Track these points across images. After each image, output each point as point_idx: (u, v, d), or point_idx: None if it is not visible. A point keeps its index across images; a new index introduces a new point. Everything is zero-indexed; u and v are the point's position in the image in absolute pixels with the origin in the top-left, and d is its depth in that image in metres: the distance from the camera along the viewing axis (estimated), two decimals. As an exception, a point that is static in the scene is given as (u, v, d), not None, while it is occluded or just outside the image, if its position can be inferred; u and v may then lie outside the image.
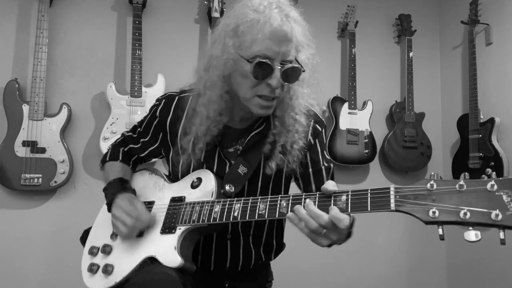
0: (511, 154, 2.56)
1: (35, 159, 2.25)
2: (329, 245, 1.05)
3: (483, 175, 0.80)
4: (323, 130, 1.27)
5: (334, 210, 0.91)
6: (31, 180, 2.24)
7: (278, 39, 1.03)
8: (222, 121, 1.16)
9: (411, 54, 2.99)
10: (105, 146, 2.29)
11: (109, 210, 1.21)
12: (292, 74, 1.07)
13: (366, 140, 2.83)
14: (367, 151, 2.82)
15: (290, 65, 1.06)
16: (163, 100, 1.26)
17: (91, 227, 1.32)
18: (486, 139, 2.60)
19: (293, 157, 1.17)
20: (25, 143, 2.24)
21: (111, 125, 2.38)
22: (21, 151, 2.23)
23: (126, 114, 2.39)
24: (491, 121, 2.60)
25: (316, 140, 1.24)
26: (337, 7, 3.00)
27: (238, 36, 1.05)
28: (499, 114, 2.63)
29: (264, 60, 1.03)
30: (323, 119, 1.28)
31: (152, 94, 2.43)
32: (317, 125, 1.25)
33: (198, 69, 1.17)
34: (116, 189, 1.22)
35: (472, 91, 2.68)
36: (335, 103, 2.83)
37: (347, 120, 2.82)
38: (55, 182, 2.29)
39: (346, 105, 2.83)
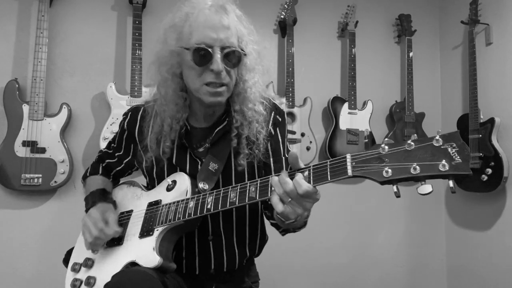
0: (511, 154, 2.56)
1: (35, 159, 2.25)
2: (285, 233, 1.13)
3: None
4: (284, 121, 1.31)
5: (298, 176, 0.94)
6: (31, 180, 2.24)
7: (214, 27, 1.09)
8: (183, 117, 1.21)
9: (411, 54, 2.99)
10: (105, 146, 2.29)
11: None
12: (233, 58, 1.12)
13: (366, 140, 2.83)
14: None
15: (229, 48, 1.10)
16: (129, 113, 1.33)
17: (73, 248, 1.34)
18: (486, 139, 2.60)
19: (259, 146, 1.21)
20: (25, 143, 2.24)
21: (111, 125, 2.38)
22: (21, 151, 2.23)
23: (126, 114, 2.39)
24: (491, 121, 2.60)
25: (277, 130, 1.28)
26: (337, 7, 3.00)
27: (177, 29, 1.13)
28: (499, 114, 2.63)
29: (202, 46, 1.08)
30: (283, 109, 1.32)
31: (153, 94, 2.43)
32: (277, 116, 1.28)
33: (149, 69, 1.23)
34: (97, 197, 1.26)
35: (472, 91, 2.68)
36: (335, 103, 2.83)
37: (347, 120, 2.82)
38: (55, 182, 2.29)
39: (346, 105, 2.83)
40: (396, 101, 3.02)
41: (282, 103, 1.34)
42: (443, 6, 3.25)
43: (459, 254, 2.99)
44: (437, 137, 0.81)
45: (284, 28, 2.81)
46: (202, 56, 1.09)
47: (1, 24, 2.42)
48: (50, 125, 2.31)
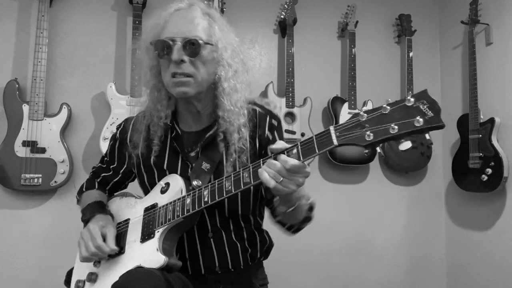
0: (511, 154, 2.56)
1: (35, 159, 2.25)
2: (292, 230, 1.16)
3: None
4: (280, 124, 1.33)
5: (282, 156, 0.98)
6: (31, 180, 2.24)
7: (178, 22, 1.16)
8: (167, 114, 1.25)
9: (411, 54, 2.99)
10: (105, 146, 2.29)
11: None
12: (192, 47, 1.14)
13: (366, 140, 2.82)
14: (367, 151, 2.82)
15: (188, 39, 1.14)
16: (122, 124, 1.39)
17: (73, 268, 1.33)
18: (486, 139, 2.60)
19: (247, 155, 1.23)
20: (25, 143, 2.24)
21: (111, 125, 2.38)
22: (21, 151, 2.23)
23: (126, 114, 2.38)
24: (491, 121, 2.60)
25: (275, 134, 1.30)
26: (337, 7, 3.00)
27: (152, 31, 1.20)
28: (499, 114, 2.63)
29: (161, 38, 1.15)
30: (278, 115, 1.34)
31: (152, 94, 2.43)
32: (273, 120, 1.30)
33: (135, 62, 1.28)
34: (96, 209, 1.27)
35: (472, 91, 2.68)
36: (335, 103, 2.83)
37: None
38: (55, 182, 2.29)
39: (346, 105, 2.83)
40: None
41: (275, 107, 1.36)
42: (443, 6, 3.25)
43: (459, 254, 2.99)
44: (409, 97, 0.88)
45: (284, 28, 2.81)
46: (162, 48, 1.15)
47: (1, 24, 2.42)
48: (50, 125, 2.31)
